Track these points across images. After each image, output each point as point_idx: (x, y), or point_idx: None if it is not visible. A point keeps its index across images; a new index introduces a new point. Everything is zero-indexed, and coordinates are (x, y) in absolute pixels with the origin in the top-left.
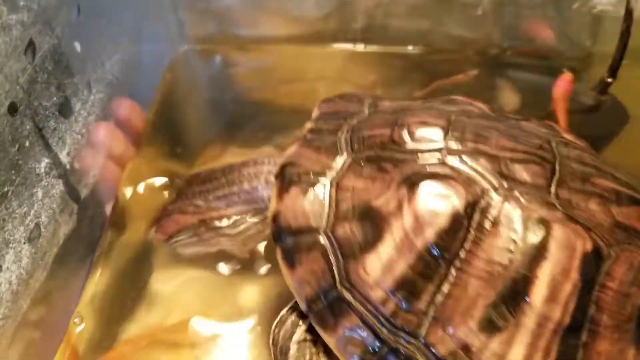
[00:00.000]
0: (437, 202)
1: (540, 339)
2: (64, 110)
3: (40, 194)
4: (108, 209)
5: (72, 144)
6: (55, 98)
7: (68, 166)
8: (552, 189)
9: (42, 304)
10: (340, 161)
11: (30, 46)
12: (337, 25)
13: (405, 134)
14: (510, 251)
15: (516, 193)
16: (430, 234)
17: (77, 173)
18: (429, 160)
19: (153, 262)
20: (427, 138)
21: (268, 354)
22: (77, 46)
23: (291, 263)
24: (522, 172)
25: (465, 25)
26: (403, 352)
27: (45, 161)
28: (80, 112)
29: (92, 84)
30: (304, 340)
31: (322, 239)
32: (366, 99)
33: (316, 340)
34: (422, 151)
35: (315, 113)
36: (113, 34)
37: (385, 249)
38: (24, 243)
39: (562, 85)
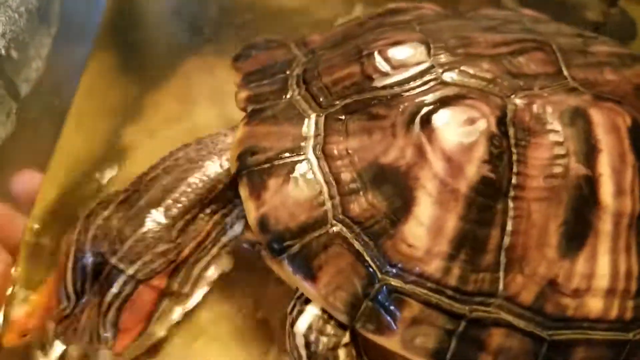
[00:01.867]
0: (464, 131)
1: (619, 240)
2: None
3: None
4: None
5: (7, 23)
6: None
7: (3, 51)
8: (565, 72)
9: None
10: (312, 124)
11: None
12: None
13: (380, 64)
14: (562, 156)
15: (536, 89)
16: (472, 171)
17: (15, 63)
18: (426, 85)
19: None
20: (409, 59)
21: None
22: None
23: (309, 273)
24: (528, 64)
25: None
26: (485, 319)
27: None
28: None
29: None
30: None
31: (336, 228)
32: (288, 41)
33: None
34: (412, 77)
35: (237, 77)
36: None
37: (424, 209)
38: None
39: None
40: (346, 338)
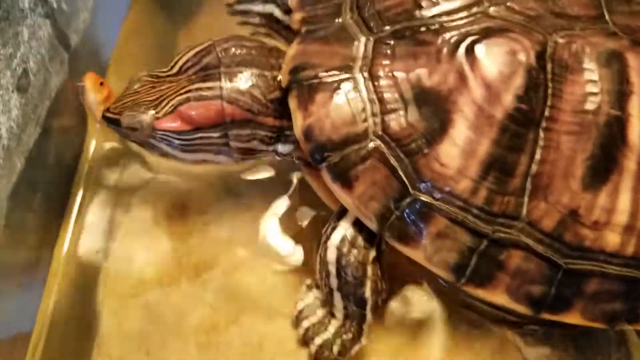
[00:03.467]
0: (505, 61)
1: None
2: None
3: (26, 34)
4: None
5: None
6: None
7: (55, 4)
8: (607, 17)
9: (39, 166)
10: (360, 47)
11: None
12: None
13: None
14: (595, 94)
15: (577, 30)
16: (508, 99)
17: (66, 15)
18: (473, 16)
19: None
20: None
21: None
22: None
23: (346, 181)
24: (572, 6)
25: None
26: (506, 240)
27: None
28: None
29: None
30: (375, 258)
31: (375, 143)
32: None
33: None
34: (460, 8)
35: (293, 1)
36: None
37: (459, 132)
38: (12, 91)
39: None
40: (373, 253)
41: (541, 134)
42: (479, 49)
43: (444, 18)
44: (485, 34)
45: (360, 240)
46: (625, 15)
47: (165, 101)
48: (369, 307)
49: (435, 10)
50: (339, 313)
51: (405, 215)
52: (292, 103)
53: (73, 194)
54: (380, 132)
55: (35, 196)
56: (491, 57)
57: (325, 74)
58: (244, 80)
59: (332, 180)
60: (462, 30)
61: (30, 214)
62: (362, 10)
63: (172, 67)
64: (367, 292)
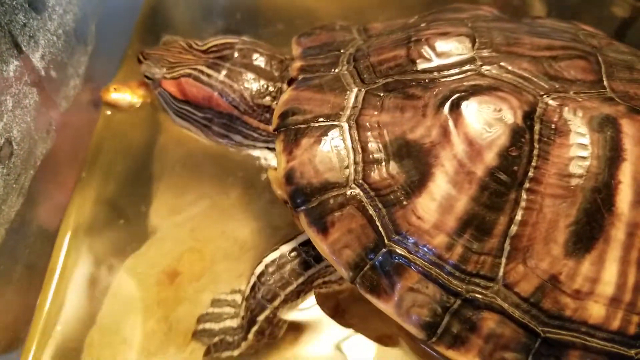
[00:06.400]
0: (490, 119)
1: (632, 251)
2: (35, 3)
3: (10, 103)
4: (93, 125)
5: (47, 45)
6: None
7: (43, 72)
8: (605, 82)
9: (20, 236)
10: (352, 96)
11: None
12: None
13: (425, 50)
14: (584, 158)
15: (571, 93)
16: (490, 157)
17: (55, 82)
18: (464, 74)
19: (151, 192)
20: (453, 50)
21: None
22: None
23: (322, 227)
24: (569, 70)
25: None
26: (480, 301)
27: (14, 63)
28: (55, 8)
29: None
30: (294, 291)
31: (354, 191)
32: (352, 26)
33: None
34: (452, 65)
35: (296, 50)
36: None
37: (439, 186)
38: None
39: None
40: (292, 288)
41: (523, 195)
42: (465, 105)
43: (435, 74)
44: (473, 91)
45: (288, 268)
46: (625, 82)
47: (179, 68)
48: (254, 329)
49: (426, 66)
50: (238, 320)
51: (378, 266)
52: (278, 146)
53: (56, 260)
54: (360, 181)
55: (15, 267)
56: (476, 114)
57: (313, 120)
58: (240, 81)
59: (308, 224)
60: (451, 86)
61: (10, 285)
62: (357, 62)
63: (204, 44)
64: (261, 317)
